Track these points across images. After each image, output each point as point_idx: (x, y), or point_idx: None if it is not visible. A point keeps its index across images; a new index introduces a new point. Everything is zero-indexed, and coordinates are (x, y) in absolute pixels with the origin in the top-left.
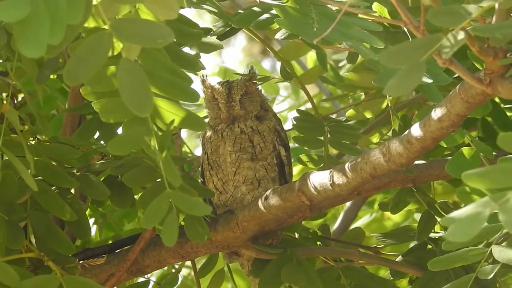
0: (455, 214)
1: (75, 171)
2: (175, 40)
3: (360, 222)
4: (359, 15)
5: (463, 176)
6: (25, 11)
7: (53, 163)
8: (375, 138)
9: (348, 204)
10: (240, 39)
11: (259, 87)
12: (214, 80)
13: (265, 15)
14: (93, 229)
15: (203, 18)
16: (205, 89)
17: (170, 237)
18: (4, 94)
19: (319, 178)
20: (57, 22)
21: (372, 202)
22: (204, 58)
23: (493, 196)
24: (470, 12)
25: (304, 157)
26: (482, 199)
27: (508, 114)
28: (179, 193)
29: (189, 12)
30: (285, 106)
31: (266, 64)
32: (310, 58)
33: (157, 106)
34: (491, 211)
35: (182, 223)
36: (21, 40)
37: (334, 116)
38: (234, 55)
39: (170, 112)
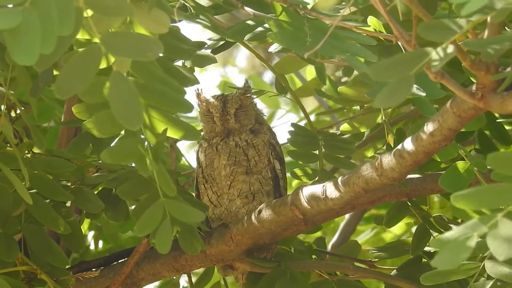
0: (444, 237)
1: (69, 184)
2: (167, 55)
3: (362, 236)
4: (354, 29)
5: (452, 198)
6: (17, 20)
7: (48, 176)
8: (369, 152)
9: (347, 217)
10: (243, 51)
11: (255, 100)
12: (209, 94)
13: (259, 28)
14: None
15: (206, 31)
16: (200, 102)
17: (164, 245)
18: (2, 107)
19: (312, 192)
20: (49, 32)
21: (372, 217)
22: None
23: (482, 218)
24: (460, 26)
25: (298, 171)
26: (471, 221)
27: (507, 127)
28: (173, 201)
29: (193, 26)
30: (284, 120)
31: (268, 75)
32: (309, 71)
33: (151, 117)
34: (480, 234)
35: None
36: (14, 48)
37: (333, 129)
38: (237, 67)
39: (164, 123)
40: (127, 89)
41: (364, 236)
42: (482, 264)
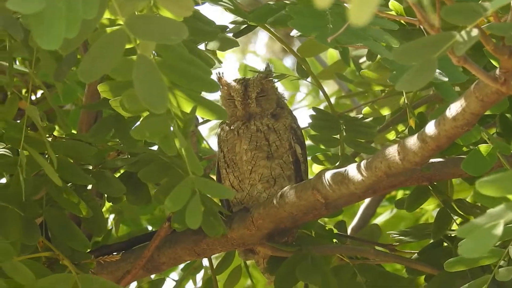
0: (470, 224)
1: (91, 167)
2: (191, 37)
3: (381, 218)
4: (377, 13)
5: (477, 184)
6: (41, 4)
7: (69, 160)
8: (391, 136)
9: (366, 200)
10: (263, 36)
11: (276, 84)
12: (230, 78)
13: (282, 12)
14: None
15: (224, 15)
16: (221, 86)
17: (194, 220)
18: (23, 91)
19: (334, 176)
20: (73, 16)
21: (393, 198)
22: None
23: (508, 204)
24: (484, 10)
25: (320, 156)
26: (497, 208)
27: None
28: (202, 178)
29: (213, 8)
30: (304, 103)
31: (288, 61)
32: (331, 54)
33: (177, 97)
34: (507, 221)
35: None
36: (38, 32)
37: (353, 113)
38: (257, 52)
39: (191, 103)
40: (152, 72)
41: (383, 217)
42: (507, 250)
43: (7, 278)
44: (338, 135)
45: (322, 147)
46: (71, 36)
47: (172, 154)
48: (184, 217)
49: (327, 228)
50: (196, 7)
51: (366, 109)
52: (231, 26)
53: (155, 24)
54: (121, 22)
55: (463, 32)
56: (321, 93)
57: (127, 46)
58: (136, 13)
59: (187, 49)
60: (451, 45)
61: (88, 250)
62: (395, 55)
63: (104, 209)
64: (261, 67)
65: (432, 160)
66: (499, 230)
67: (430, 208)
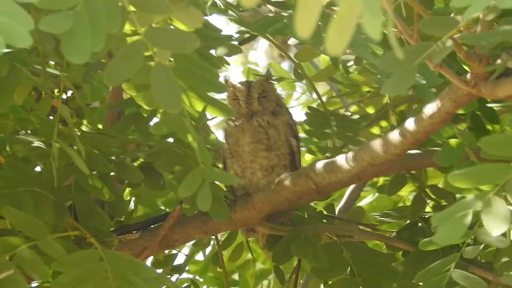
0: (443, 213)
1: (113, 158)
2: (202, 43)
3: (364, 201)
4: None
5: (450, 177)
6: (69, 24)
7: (95, 151)
8: (375, 131)
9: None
10: (263, 43)
11: (275, 85)
12: (236, 80)
13: (280, 23)
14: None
15: (229, 25)
16: (228, 88)
17: (205, 203)
18: (55, 91)
19: (324, 166)
20: (98, 32)
21: (375, 184)
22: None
23: (477, 194)
24: (457, 22)
25: (313, 147)
26: (466, 198)
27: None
28: (210, 167)
29: (219, 19)
30: (300, 102)
31: (285, 65)
32: (323, 59)
33: (190, 97)
34: (475, 210)
35: None
36: (67, 49)
37: (342, 110)
38: (258, 57)
39: (201, 102)
40: (168, 78)
41: (366, 200)
42: (473, 231)
43: (41, 253)
44: (329, 130)
45: (315, 140)
46: (97, 50)
47: (187, 141)
48: (195, 201)
49: (317, 210)
50: (205, 17)
51: (354, 108)
52: (235, 35)
53: (170, 35)
54: (140, 33)
55: (439, 42)
56: (314, 93)
57: (146, 54)
58: (153, 25)
59: (199, 53)
60: (429, 54)
61: (111, 230)
62: (379, 62)
63: (124, 193)
64: (262, 72)
65: (410, 151)
66: (468, 219)
67: (407, 193)
